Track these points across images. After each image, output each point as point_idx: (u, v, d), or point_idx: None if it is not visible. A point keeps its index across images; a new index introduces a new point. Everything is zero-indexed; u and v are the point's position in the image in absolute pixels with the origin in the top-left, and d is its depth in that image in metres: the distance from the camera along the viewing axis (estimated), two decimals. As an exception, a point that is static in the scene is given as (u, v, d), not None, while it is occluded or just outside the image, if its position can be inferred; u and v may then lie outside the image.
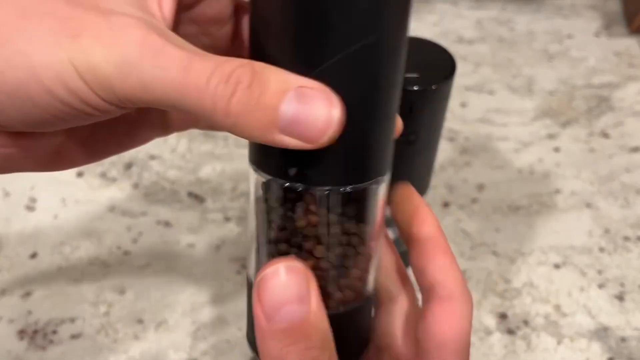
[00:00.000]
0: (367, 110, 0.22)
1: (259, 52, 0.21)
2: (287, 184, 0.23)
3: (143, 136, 0.26)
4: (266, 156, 0.23)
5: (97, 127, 0.23)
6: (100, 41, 0.17)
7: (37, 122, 0.18)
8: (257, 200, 0.25)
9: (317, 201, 0.24)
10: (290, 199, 0.24)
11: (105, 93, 0.18)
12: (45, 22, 0.17)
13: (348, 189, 0.23)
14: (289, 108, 0.18)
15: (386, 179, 0.26)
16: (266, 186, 0.24)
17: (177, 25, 0.21)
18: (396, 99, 0.24)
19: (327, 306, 0.23)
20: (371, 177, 0.24)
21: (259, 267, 0.26)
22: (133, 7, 0.19)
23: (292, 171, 0.22)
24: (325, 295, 0.24)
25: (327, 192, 0.23)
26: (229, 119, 0.18)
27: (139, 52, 0.17)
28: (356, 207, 0.25)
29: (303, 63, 0.19)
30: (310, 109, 0.18)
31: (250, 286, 0.27)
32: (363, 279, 0.27)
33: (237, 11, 0.24)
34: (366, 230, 0.26)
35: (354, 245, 0.26)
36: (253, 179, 0.25)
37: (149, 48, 0.17)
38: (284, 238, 0.25)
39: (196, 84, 0.17)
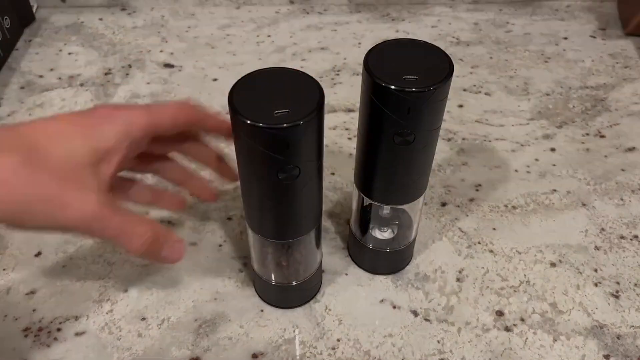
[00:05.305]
0: None
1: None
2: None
3: None
4: (251, 225, 0.40)
5: None
6: (78, 209, 0.32)
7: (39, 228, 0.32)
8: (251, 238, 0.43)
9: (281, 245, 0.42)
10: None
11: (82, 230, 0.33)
12: (49, 205, 0.31)
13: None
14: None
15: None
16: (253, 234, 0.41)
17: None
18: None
19: (295, 280, 0.44)
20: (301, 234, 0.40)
21: (255, 262, 0.45)
22: (93, 177, 0.33)
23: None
24: (294, 276, 0.44)
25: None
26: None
27: (96, 216, 0.32)
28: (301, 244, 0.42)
29: None
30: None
31: (253, 270, 0.46)
32: (312, 265, 0.45)
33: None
34: (308, 252, 0.44)
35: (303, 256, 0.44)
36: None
37: (99, 215, 0.32)
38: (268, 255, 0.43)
39: (117, 235, 0.34)
